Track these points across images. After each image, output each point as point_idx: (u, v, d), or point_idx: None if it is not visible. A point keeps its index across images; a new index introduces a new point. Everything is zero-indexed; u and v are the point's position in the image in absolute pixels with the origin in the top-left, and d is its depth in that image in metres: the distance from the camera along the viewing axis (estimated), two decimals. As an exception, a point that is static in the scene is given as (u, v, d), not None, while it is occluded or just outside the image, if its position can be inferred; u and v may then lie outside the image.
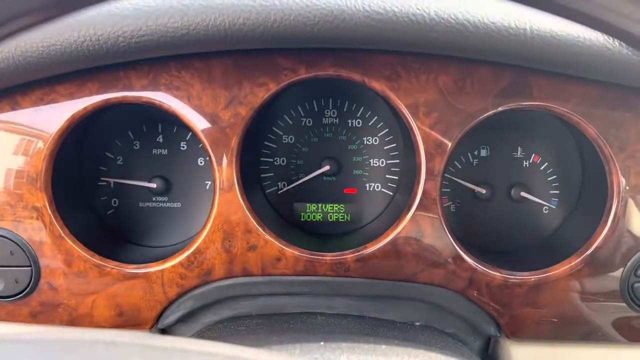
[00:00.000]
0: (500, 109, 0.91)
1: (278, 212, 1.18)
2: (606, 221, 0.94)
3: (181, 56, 0.91)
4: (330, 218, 1.18)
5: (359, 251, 0.96)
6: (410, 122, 0.93)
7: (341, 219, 1.18)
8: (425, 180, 0.94)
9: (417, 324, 1.01)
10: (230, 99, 0.92)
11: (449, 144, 0.92)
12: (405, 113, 0.93)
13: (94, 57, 0.82)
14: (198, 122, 0.93)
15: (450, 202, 1.17)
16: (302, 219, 1.18)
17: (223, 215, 0.94)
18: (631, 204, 0.93)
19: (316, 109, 1.16)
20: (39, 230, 0.96)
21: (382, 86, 0.92)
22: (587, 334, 0.99)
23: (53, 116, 0.94)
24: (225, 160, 0.93)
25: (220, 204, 0.94)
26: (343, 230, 1.18)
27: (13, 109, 0.95)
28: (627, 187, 0.92)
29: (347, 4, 0.75)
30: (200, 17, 0.76)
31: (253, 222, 0.94)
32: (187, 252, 0.96)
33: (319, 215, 1.18)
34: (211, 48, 0.83)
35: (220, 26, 0.76)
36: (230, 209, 0.94)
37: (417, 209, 0.94)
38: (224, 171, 0.93)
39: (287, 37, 0.78)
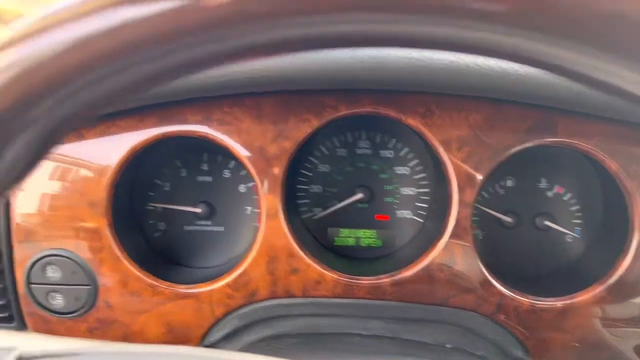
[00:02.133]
0: (527, 144, 0.98)
1: (313, 236, 1.25)
2: (627, 253, 0.99)
3: (233, 95, 1.00)
4: (363, 243, 1.25)
5: (394, 275, 1.03)
6: (443, 156, 1.00)
7: (373, 244, 1.25)
8: (458, 210, 1.01)
9: (448, 346, 1.06)
10: (277, 133, 1.00)
11: (480, 177, 0.99)
12: (439, 147, 1.00)
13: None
14: (246, 155, 1.01)
15: (479, 230, 1.23)
16: (335, 244, 1.25)
17: (268, 240, 1.02)
18: (652, 235, 0.99)
19: (350, 140, 1.24)
20: (99, 251, 1.04)
21: (417, 122, 1.00)
22: (610, 358, 1.04)
23: (115, 148, 1.02)
24: (270, 190, 1.01)
25: (267, 231, 1.02)
26: (375, 255, 1.25)
27: (78, 139, 1.04)
28: (648, 220, 0.98)
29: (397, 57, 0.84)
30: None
31: (296, 247, 1.02)
32: (234, 274, 1.03)
33: (352, 240, 1.25)
34: (261, 89, 0.92)
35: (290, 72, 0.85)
36: (275, 234, 1.02)
37: (450, 237, 1.01)
38: (270, 200, 1.01)
39: (341, 84, 0.86)
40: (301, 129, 1.00)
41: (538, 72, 0.85)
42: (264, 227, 1.02)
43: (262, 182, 1.01)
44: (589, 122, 0.98)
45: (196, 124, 1.01)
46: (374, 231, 1.25)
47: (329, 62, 0.84)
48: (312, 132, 1.01)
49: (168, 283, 1.05)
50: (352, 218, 1.26)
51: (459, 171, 1.00)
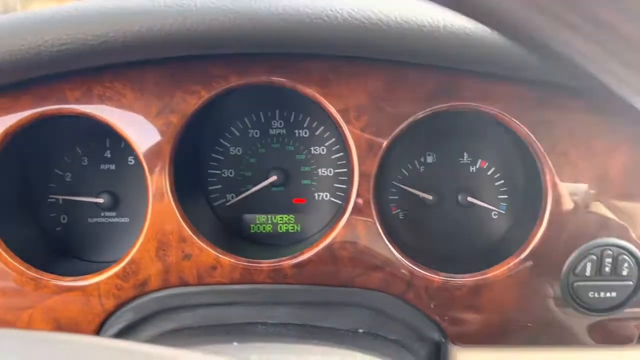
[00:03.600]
0: (428, 110, 0.92)
1: (227, 224, 1.17)
2: (542, 220, 0.93)
3: (115, 67, 0.92)
4: (281, 229, 1.18)
5: (295, 257, 0.95)
6: (342, 126, 0.93)
7: (291, 229, 1.18)
8: (359, 183, 0.94)
9: (360, 330, 0.99)
10: (161, 107, 0.93)
11: (381, 147, 0.93)
12: (337, 117, 0.93)
13: (20, 68, 0.83)
14: (131, 132, 0.93)
15: (399, 210, 1.16)
16: (252, 231, 1.18)
17: (156, 224, 0.94)
18: (566, 202, 0.93)
19: (263, 120, 1.17)
20: (-25, 244, 0.96)
21: (313, 92, 0.93)
22: (534, 337, 0.98)
23: (-12, 130, 0.94)
24: (157, 169, 0.93)
25: (153, 213, 0.94)
26: (294, 241, 1.18)
27: (-51, 124, 0.95)
28: (561, 185, 0.92)
29: (260, 6, 0.77)
30: (117, 24, 0.77)
31: (187, 230, 0.94)
32: (123, 263, 0.95)
33: (269, 227, 1.18)
34: (135, 56, 0.84)
35: (137, 33, 0.78)
36: (164, 217, 0.94)
37: (352, 213, 0.94)
38: (157, 180, 0.93)
39: (205, 42, 0.79)
40: (189, 101, 0.93)
41: (424, 26, 0.78)
42: (151, 210, 0.94)
43: (147, 161, 0.93)
44: (495, 84, 0.92)
45: (75, 101, 0.94)
46: (292, 216, 1.18)
47: (197, 19, 0.77)
48: (202, 104, 0.93)
49: (52, 275, 0.96)
50: (269, 203, 1.18)
51: (358, 141, 0.93)
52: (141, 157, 0.93)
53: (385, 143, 0.92)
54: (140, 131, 0.93)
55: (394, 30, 0.78)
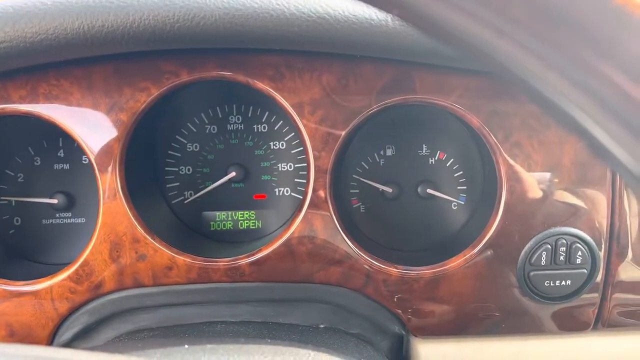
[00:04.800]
0: (382, 104, 0.91)
1: (186, 223, 1.16)
2: (497, 211, 0.94)
3: (61, 65, 0.89)
4: (241, 226, 1.16)
5: (253, 255, 0.94)
6: (297, 121, 0.92)
7: (252, 226, 1.17)
8: (315, 178, 0.93)
9: (322, 326, 0.99)
10: (110, 105, 0.90)
11: (336, 141, 0.92)
12: (291, 112, 0.92)
13: (-42, 67, 0.80)
14: (80, 131, 0.91)
15: (360, 203, 1.16)
16: (212, 228, 1.16)
17: (109, 225, 0.92)
18: (520, 191, 0.93)
19: (220, 116, 1.15)
20: None
21: (266, 86, 0.92)
22: (492, 326, 0.99)
23: None
24: (108, 168, 0.91)
25: (105, 214, 0.92)
26: (254, 237, 1.17)
27: None
28: (515, 175, 0.93)
29: (206, 1, 0.75)
30: (57, 20, 0.75)
31: (140, 230, 0.92)
32: (75, 266, 0.93)
33: (230, 224, 1.16)
34: (78, 53, 0.82)
35: (79, 29, 0.75)
36: (116, 218, 0.92)
37: (309, 207, 0.93)
38: (107, 179, 0.91)
39: (149, 38, 0.77)
40: (138, 98, 0.91)
41: (372, 19, 0.78)
42: (102, 210, 0.92)
43: (97, 161, 0.91)
44: (448, 77, 0.92)
45: (20, 100, 0.91)
46: (253, 212, 1.17)
47: (140, 15, 0.75)
48: (152, 101, 0.91)
49: (2, 280, 0.94)
50: (229, 200, 1.17)
51: (313, 136, 0.92)
52: (90, 156, 0.91)
53: (340, 137, 0.92)
54: (89, 130, 0.90)
55: (342, 25, 0.77)
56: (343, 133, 0.92)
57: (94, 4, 0.75)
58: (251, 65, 0.91)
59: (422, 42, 0.79)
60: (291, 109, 0.92)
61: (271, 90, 0.92)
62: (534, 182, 0.93)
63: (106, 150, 0.91)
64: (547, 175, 0.93)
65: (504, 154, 0.92)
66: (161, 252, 0.93)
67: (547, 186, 0.93)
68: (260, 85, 0.92)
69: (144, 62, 0.90)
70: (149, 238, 0.92)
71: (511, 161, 0.93)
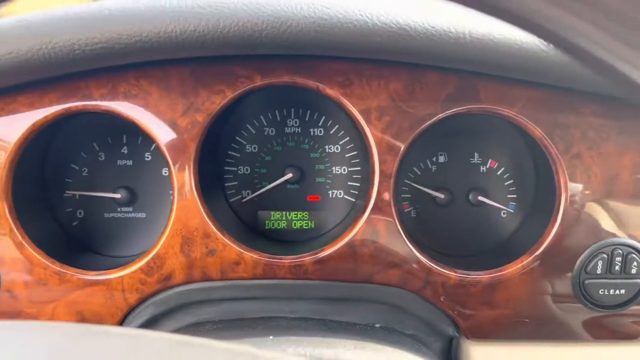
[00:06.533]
0: (448, 112, 0.94)
1: (243, 220, 1.19)
2: (555, 220, 0.97)
3: (140, 66, 0.94)
4: (295, 226, 1.20)
5: (316, 253, 0.98)
6: (364, 126, 0.96)
7: (305, 226, 1.20)
8: (379, 182, 0.96)
9: (377, 325, 1.02)
10: (187, 106, 0.94)
11: (401, 147, 0.95)
12: (359, 118, 0.96)
13: (51, 66, 0.85)
14: (156, 130, 0.95)
15: (411, 208, 1.19)
16: (266, 227, 1.20)
17: (182, 220, 0.96)
18: (578, 202, 0.96)
19: (279, 119, 1.19)
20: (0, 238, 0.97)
21: (335, 92, 0.95)
22: (545, 332, 1.01)
23: (14, 125, 0.95)
24: (183, 166, 0.95)
25: (178, 209, 0.96)
26: (307, 237, 1.20)
27: (-26, 119, 0.96)
28: (574, 186, 0.95)
29: (293, 10, 0.79)
30: (151, 24, 0.79)
31: (211, 226, 0.96)
32: (147, 258, 0.97)
33: (284, 223, 1.20)
34: (165, 55, 0.86)
35: (171, 33, 0.79)
36: (189, 214, 0.96)
37: (372, 211, 0.97)
38: (182, 177, 0.95)
39: (237, 44, 0.81)
40: (213, 100, 0.95)
41: (450, 32, 0.81)
42: (176, 206, 0.96)
43: (173, 159, 0.95)
44: (512, 88, 0.95)
45: (101, 98, 0.95)
46: (306, 213, 1.20)
47: (231, 21, 0.79)
48: (227, 103, 0.95)
49: (76, 270, 0.98)
50: (283, 200, 1.20)
51: (379, 142, 0.96)
52: (166, 154, 0.95)
53: (406, 143, 0.95)
54: (166, 129, 0.94)
55: (422, 36, 0.80)
56: (409, 139, 0.95)
57: (187, 9, 0.79)
58: (321, 72, 0.95)
59: (498, 56, 0.82)
60: (358, 114, 0.95)
61: (340, 96, 0.95)
62: (592, 193, 0.96)
63: (182, 149, 0.95)
64: (605, 186, 0.96)
65: (564, 165, 0.95)
66: (230, 248, 0.96)
67: (604, 197, 0.96)
68: (330, 91, 0.95)
69: (219, 66, 0.94)
70: (219, 234, 0.96)
71: (570, 172, 0.95)
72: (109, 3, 0.82)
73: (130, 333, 0.41)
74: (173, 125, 0.94)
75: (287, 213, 1.20)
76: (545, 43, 0.80)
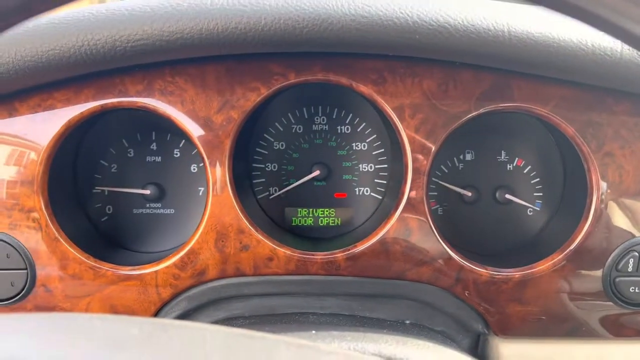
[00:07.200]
0: (482, 110, 0.95)
1: (270, 217, 1.20)
2: (587, 218, 0.97)
3: (176, 63, 0.95)
4: (321, 222, 1.21)
5: (349, 250, 0.99)
6: (397, 124, 0.96)
7: (332, 223, 1.21)
8: (412, 180, 0.97)
9: (407, 322, 1.03)
10: (223, 103, 0.95)
11: (434, 145, 0.96)
12: (392, 115, 0.96)
13: (92, 62, 0.85)
14: (191, 126, 0.96)
15: (438, 205, 1.20)
16: (293, 224, 1.21)
17: (216, 216, 0.97)
18: (610, 200, 0.97)
19: (306, 116, 1.20)
20: (35, 233, 0.97)
21: (369, 90, 0.96)
22: (573, 329, 1.02)
23: (50, 121, 0.96)
24: (218, 163, 0.96)
25: (213, 205, 0.97)
26: (333, 234, 1.21)
27: (11, 115, 0.97)
28: (606, 184, 0.96)
29: (334, 8, 0.79)
30: (194, 21, 0.80)
31: (245, 222, 0.97)
32: (181, 253, 0.98)
33: (310, 220, 1.21)
34: (206, 52, 0.87)
35: (213, 30, 0.80)
36: (223, 210, 0.97)
37: (405, 208, 0.97)
38: (217, 173, 0.96)
39: (278, 41, 0.81)
40: (249, 97, 0.95)
41: (490, 30, 0.81)
42: (211, 202, 0.97)
43: (208, 155, 0.96)
44: (545, 86, 0.95)
45: (137, 94, 0.96)
46: (333, 210, 1.21)
47: (272, 18, 0.80)
48: (261, 100, 0.96)
49: (110, 265, 0.99)
50: (310, 197, 1.21)
51: (412, 139, 0.96)
52: (202, 150, 0.95)
53: (440, 141, 0.96)
54: (202, 125, 0.95)
55: (462, 34, 0.81)
56: (442, 137, 0.96)
57: (229, 6, 0.79)
58: (355, 69, 0.96)
59: (536, 54, 0.82)
60: (392, 112, 0.96)
61: (374, 93, 0.96)
62: (624, 192, 0.96)
63: (217, 145, 0.95)
64: (637, 185, 0.96)
65: (596, 163, 0.96)
66: (263, 244, 0.97)
67: (636, 195, 0.96)
68: (363, 88, 0.96)
69: (254, 63, 0.95)
70: (253, 230, 0.97)
71: (602, 170, 0.96)
72: (150, 0, 0.83)
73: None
74: (208, 122, 0.95)
75: (314, 210, 1.21)
76: (584, 41, 0.80)
